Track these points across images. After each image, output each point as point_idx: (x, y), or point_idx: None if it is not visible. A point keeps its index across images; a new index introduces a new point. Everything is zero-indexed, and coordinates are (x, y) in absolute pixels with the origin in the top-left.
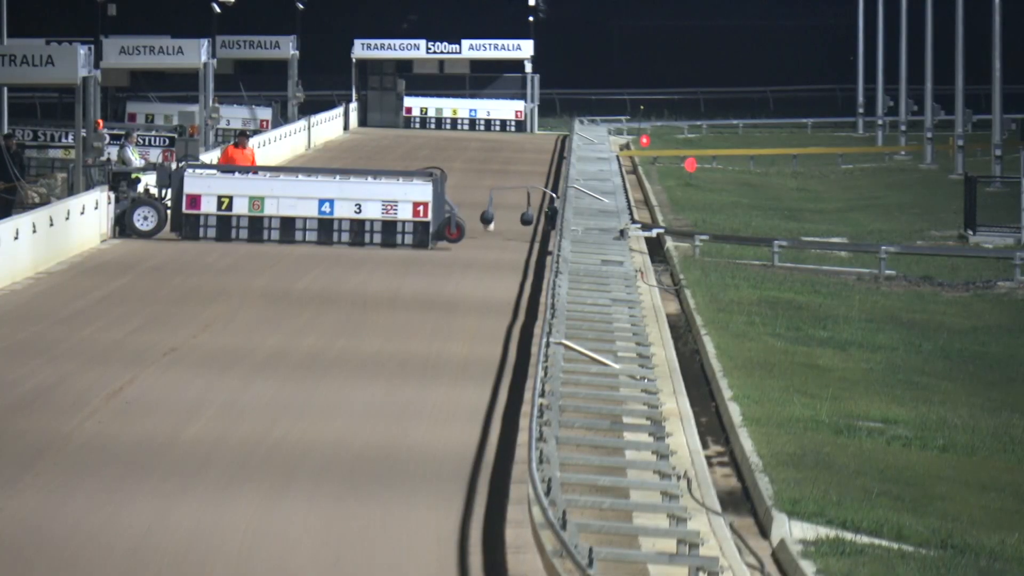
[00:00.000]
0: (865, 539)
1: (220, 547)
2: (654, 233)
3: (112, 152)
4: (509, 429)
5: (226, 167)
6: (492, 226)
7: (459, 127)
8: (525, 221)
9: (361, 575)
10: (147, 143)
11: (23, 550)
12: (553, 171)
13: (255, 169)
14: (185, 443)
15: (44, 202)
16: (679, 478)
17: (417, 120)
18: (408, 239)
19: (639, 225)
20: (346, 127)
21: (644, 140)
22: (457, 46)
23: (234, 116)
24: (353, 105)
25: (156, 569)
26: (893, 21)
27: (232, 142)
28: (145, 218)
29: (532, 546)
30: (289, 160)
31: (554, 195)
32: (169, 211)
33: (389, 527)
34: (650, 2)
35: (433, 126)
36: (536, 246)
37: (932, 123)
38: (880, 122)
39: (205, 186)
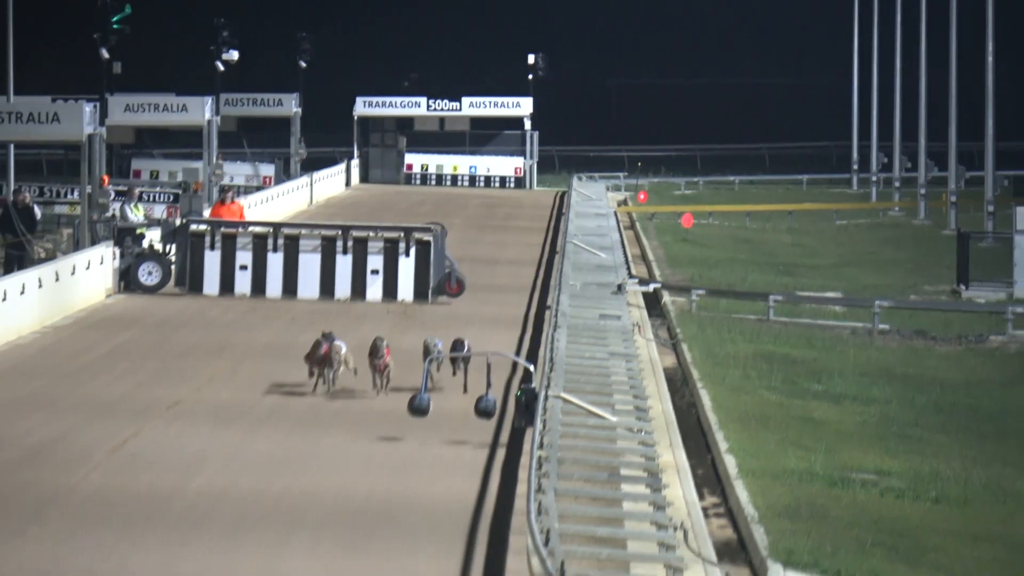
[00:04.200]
0: None
1: None
2: (651, 288)
3: (117, 208)
4: (508, 480)
5: (230, 223)
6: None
7: (459, 183)
8: (482, 412)
9: None
10: (151, 199)
11: None
12: (551, 227)
13: (257, 223)
14: (189, 495)
15: (50, 257)
16: (676, 529)
17: (418, 176)
18: (408, 293)
19: (636, 280)
20: (348, 183)
21: (641, 196)
22: (457, 103)
23: (238, 172)
24: (355, 162)
25: None
26: (887, 79)
27: (218, 199)
28: (150, 273)
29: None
30: (292, 215)
31: (530, 366)
32: (173, 266)
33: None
34: (647, 61)
35: (434, 182)
36: (535, 299)
37: (926, 179)
38: (874, 179)
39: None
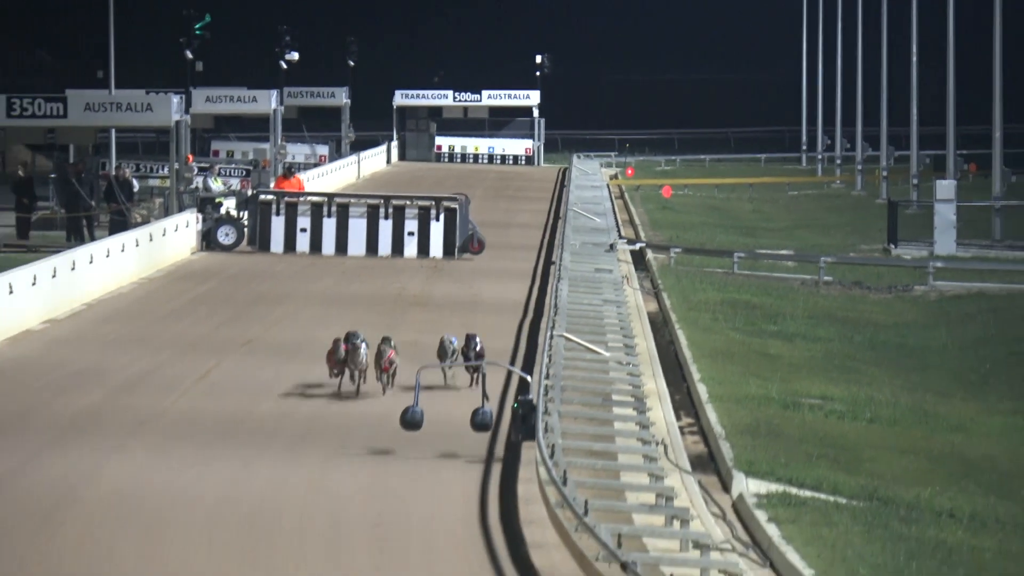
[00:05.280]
0: (807, 493)
1: (287, 501)
2: (637, 247)
3: (199, 181)
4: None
5: (292, 193)
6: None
7: (480, 161)
8: (479, 426)
9: (400, 523)
10: (228, 174)
11: (128, 500)
12: (555, 197)
13: (314, 194)
14: (258, 417)
15: (145, 222)
16: (657, 444)
17: (446, 155)
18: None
19: (625, 240)
20: (388, 161)
21: (629, 171)
22: (478, 95)
23: (298, 152)
24: (394, 143)
25: (236, 518)
26: (830, 75)
27: (282, 173)
28: (227, 234)
29: (539, 498)
30: (343, 187)
31: (527, 377)
32: (246, 229)
33: (422, 482)
34: (634, 60)
35: (459, 160)
36: (542, 256)
37: (862, 158)
38: (819, 157)
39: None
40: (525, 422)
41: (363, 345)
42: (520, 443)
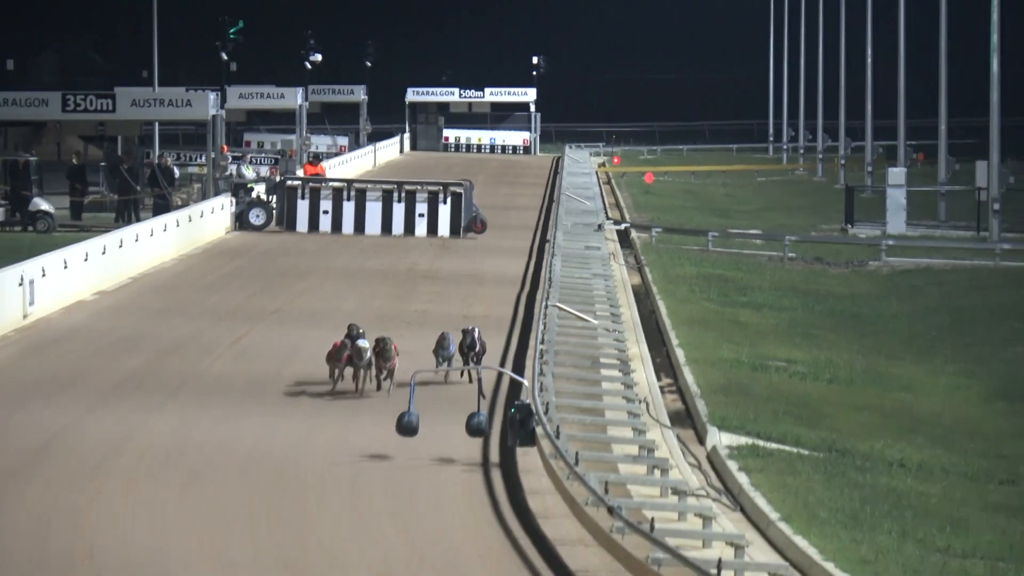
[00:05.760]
0: (773, 445)
1: (311, 452)
2: (623, 227)
3: (233, 168)
4: (518, 367)
5: (314, 178)
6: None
7: (482, 151)
8: (474, 430)
9: (411, 472)
10: (259, 162)
11: (170, 451)
12: (550, 183)
13: (335, 179)
14: (286, 379)
15: (185, 204)
16: (640, 402)
17: (452, 146)
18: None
19: (612, 221)
20: (401, 150)
21: (616, 160)
22: (481, 92)
23: (321, 143)
24: (406, 135)
25: (266, 467)
26: (794, 74)
27: (308, 161)
28: (257, 216)
29: (535, 450)
30: (361, 173)
31: (524, 381)
32: (274, 211)
33: (431, 436)
34: (621, 61)
35: (464, 150)
36: (538, 235)
37: (822, 148)
38: (785, 147)
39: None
40: (523, 426)
41: (367, 345)
42: (514, 445)
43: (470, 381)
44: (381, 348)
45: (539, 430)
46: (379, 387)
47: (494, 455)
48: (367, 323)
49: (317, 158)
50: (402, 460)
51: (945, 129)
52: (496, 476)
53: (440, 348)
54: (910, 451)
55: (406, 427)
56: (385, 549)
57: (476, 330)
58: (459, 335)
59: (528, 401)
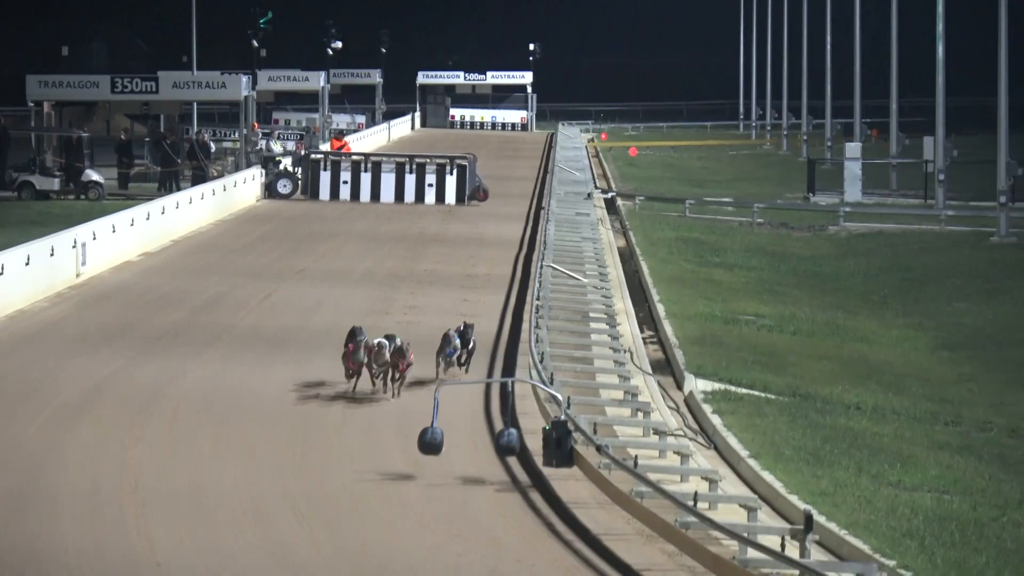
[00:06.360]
0: (743, 390)
1: (333, 397)
2: (609, 195)
3: (263, 143)
4: (517, 320)
5: (334, 152)
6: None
7: (485, 128)
8: (504, 449)
9: (420, 415)
10: (286, 138)
11: (207, 396)
12: (544, 156)
13: (354, 153)
14: (310, 330)
15: (220, 176)
16: (625, 352)
17: (458, 123)
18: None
19: (600, 190)
20: (413, 128)
21: (603, 136)
22: (484, 76)
23: (341, 120)
24: (417, 114)
25: (292, 411)
26: (762, 58)
27: (333, 136)
28: (284, 186)
29: (532, 395)
30: (377, 148)
31: (557, 395)
32: (300, 181)
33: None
34: (608, 46)
35: (468, 127)
36: (534, 203)
37: (787, 125)
38: (754, 124)
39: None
40: (560, 446)
41: (384, 342)
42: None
43: (465, 372)
44: (400, 350)
45: (534, 374)
46: (394, 394)
47: (495, 397)
48: (383, 280)
49: (341, 134)
50: (413, 401)
51: (896, 108)
52: (496, 416)
53: (445, 344)
54: (865, 395)
55: (428, 444)
56: (400, 487)
57: (473, 327)
58: (457, 336)
59: (564, 419)
